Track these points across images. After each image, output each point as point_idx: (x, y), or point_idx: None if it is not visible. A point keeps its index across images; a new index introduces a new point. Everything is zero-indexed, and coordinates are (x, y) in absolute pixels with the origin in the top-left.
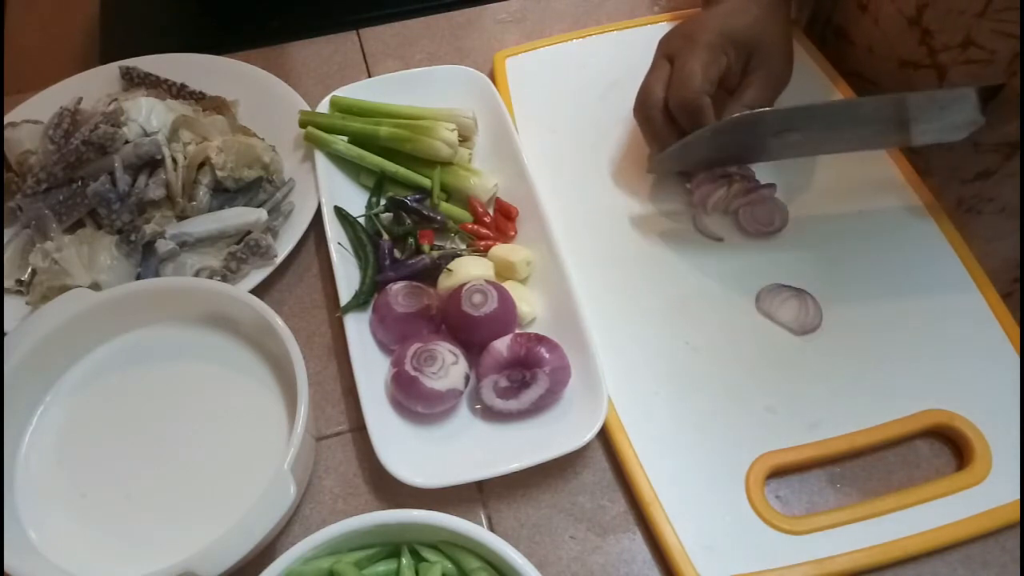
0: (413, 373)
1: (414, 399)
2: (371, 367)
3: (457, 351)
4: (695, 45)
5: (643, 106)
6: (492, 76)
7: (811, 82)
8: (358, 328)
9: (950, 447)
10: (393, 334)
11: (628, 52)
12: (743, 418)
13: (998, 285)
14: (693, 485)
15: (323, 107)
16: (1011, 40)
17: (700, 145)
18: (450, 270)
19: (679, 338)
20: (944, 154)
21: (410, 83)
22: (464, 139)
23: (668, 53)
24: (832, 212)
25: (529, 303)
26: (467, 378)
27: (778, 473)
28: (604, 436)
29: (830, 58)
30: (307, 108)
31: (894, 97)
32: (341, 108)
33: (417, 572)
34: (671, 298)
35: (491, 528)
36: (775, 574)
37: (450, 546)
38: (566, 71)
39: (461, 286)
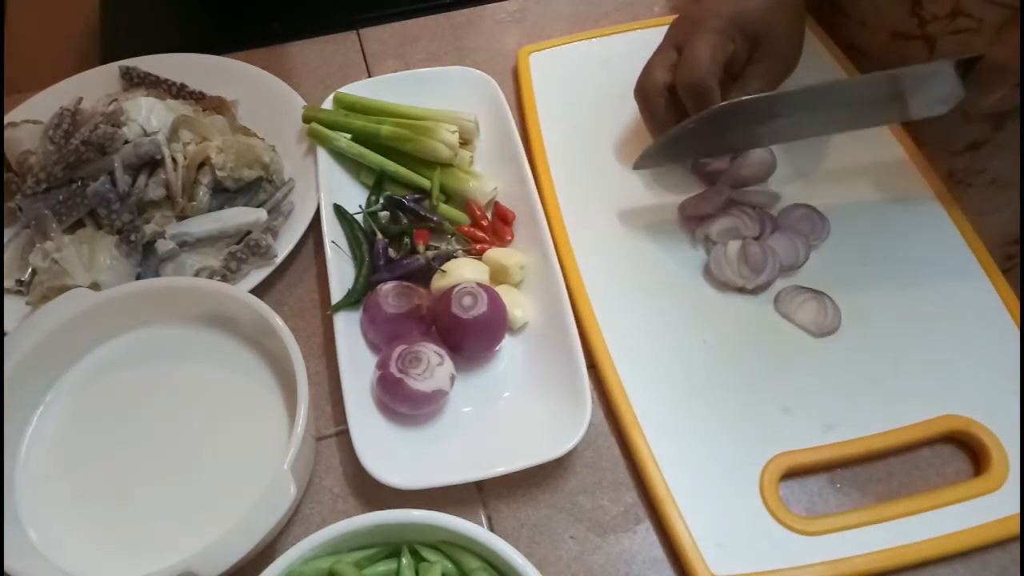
0: (398, 375)
1: (399, 401)
2: (361, 368)
3: (442, 352)
4: (703, 30)
5: (643, 88)
6: (515, 72)
7: (813, 58)
8: (347, 328)
9: (967, 453)
10: (383, 334)
11: (649, 53)
12: (759, 418)
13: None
14: (707, 483)
15: (324, 107)
16: (998, 8)
17: (685, 137)
18: (444, 271)
19: (696, 337)
20: (933, 125)
21: (414, 83)
22: (465, 142)
23: (675, 38)
24: (853, 216)
25: (522, 308)
26: (452, 379)
27: (792, 474)
28: (619, 432)
29: (826, 31)
30: None
31: (876, 76)
32: (345, 105)
33: (417, 572)
34: (689, 297)
35: (491, 528)
36: (787, 574)
37: (450, 546)
38: (591, 68)
39: (452, 288)
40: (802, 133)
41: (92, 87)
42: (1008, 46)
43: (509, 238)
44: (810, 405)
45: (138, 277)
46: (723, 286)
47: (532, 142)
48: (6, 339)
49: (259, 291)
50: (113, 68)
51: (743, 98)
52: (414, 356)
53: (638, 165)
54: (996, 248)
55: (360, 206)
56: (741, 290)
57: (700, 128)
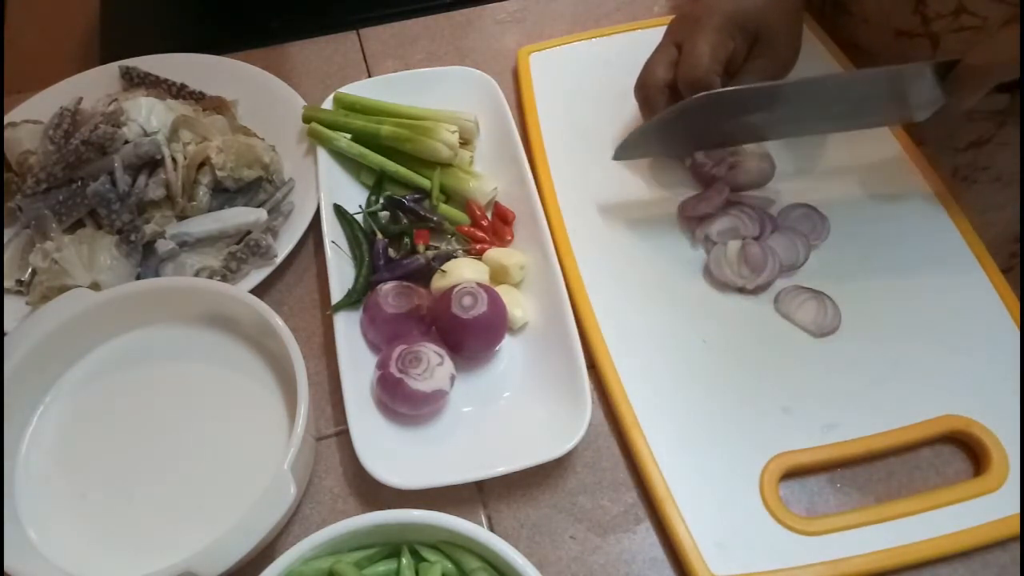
0: (398, 375)
1: (399, 401)
2: (361, 368)
3: (442, 352)
4: (704, 27)
5: (644, 85)
6: (515, 72)
7: (812, 57)
8: (347, 328)
9: (967, 453)
10: (383, 334)
11: (649, 53)
12: (759, 418)
13: (996, 258)
14: (707, 483)
15: (324, 107)
16: (1002, 5)
17: (673, 125)
18: (444, 271)
19: (696, 336)
20: (938, 123)
21: (414, 83)
22: (465, 142)
23: (676, 35)
24: (853, 216)
25: (522, 307)
26: (452, 379)
27: (793, 474)
28: (619, 432)
29: (827, 29)
30: None
31: (853, 75)
32: (345, 105)
33: (417, 572)
34: (688, 297)
35: (491, 528)
36: (787, 574)
37: (450, 546)
38: (591, 68)
39: (452, 288)
40: (790, 130)
41: (92, 87)
42: (986, 48)
43: (509, 238)
44: (810, 405)
45: (138, 277)
46: (723, 286)
47: (532, 142)
48: (6, 339)
49: (259, 291)
50: (113, 68)
51: (720, 90)
52: (414, 356)
53: (618, 155)
54: (1001, 246)
55: (360, 206)
56: (741, 290)
57: (678, 120)
